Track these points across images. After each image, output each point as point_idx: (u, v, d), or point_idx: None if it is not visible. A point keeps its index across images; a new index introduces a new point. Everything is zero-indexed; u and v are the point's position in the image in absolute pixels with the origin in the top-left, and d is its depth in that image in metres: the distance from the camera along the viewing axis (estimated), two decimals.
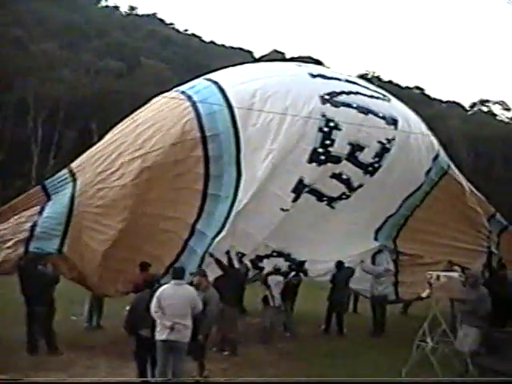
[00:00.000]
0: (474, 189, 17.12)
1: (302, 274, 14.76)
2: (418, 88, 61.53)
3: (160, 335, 9.12)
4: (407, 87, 58.52)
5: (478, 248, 16.76)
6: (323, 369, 11.18)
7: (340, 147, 13.82)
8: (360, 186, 14.52)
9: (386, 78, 57.71)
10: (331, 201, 14.50)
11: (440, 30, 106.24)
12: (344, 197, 14.54)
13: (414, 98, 49.83)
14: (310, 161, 13.61)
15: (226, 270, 12.92)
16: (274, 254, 14.41)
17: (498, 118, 61.26)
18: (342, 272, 14.93)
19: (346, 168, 14.15)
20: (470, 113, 60.62)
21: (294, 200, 13.73)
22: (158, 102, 14.28)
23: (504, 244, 17.44)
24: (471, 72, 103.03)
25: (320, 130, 13.59)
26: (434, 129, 16.93)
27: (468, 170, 39.07)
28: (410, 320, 15.87)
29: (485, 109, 62.51)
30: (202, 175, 13.03)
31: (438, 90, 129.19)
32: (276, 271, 13.97)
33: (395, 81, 57.73)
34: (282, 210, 13.64)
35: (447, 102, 61.56)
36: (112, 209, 12.68)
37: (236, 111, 13.29)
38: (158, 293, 9.28)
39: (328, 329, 15.12)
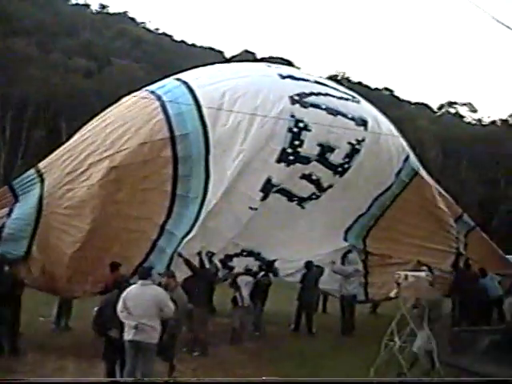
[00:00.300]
0: (441, 190, 17.36)
1: (271, 275, 14.83)
2: (387, 89, 62.12)
3: (127, 335, 9.05)
4: (377, 88, 58.98)
5: (447, 249, 16.99)
6: (293, 369, 11.22)
7: (309, 148, 13.91)
8: (330, 186, 14.65)
9: (355, 80, 58.06)
10: (301, 201, 14.60)
11: (409, 32, 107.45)
12: (314, 197, 14.66)
13: (384, 99, 50.21)
14: (279, 161, 13.67)
15: (195, 270, 12.92)
16: (244, 253, 14.46)
17: (465, 119, 62.17)
18: (311, 272, 15.03)
19: (316, 169, 14.25)
20: (437, 114, 61.33)
21: (263, 199, 13.80)
22: (128, 101, 14.22)
23: (471, 244, 17.71)
24: (439, 74, 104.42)
25: (289, 130, 13.67)
26: (404, 130, 17.16)
27: (436, 170, 39.58)
28: (378, 319, 16.04)
29: (452, 110, 63.35)
30: (170, 176, 13.00)
31: (407, 92, 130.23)
32: (246, 272, 14.01)
33: (365, 82, 58.11)
34: (251, 208, 13.72)
35: (416, 103, 62.15)
36: (80, 210, 12.58)
37: (205, 111, 13.29)
38: (124, 293, 9.21)
39: (297, 328, 15.22)
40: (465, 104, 63.32)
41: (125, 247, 12.79)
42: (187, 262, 12.85)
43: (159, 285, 10.24)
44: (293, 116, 13.74)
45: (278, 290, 16.44)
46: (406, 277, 10.53)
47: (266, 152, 13.57)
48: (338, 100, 14.95)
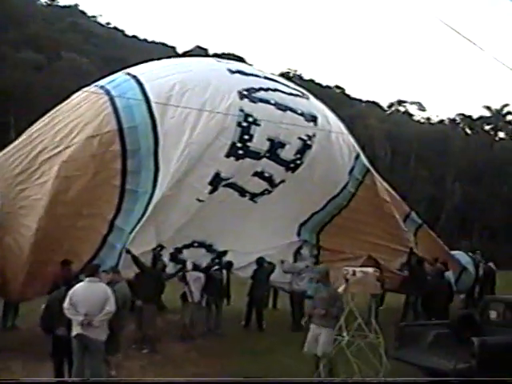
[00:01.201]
0: (389, 188, 17.65)
1: (224, 271, 14.82)
2: (338, 87, 62.61)
3: (74, 331, 8.97)
4: (328, 86, 59.40)
5: (399, 247, 17.30)
6: (243, 365, 11.28)
7: (259, 143, 13.97)
8: (282, 181, 14.77)
9: (307, 77, 58.35)
10: (254, 196, 14.69)
11: (361, 31, 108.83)
12: (266, 192, 14.78)
13: (335, 97, 50.74)
14: (228, 155, 13.71)
15: (142, 267, 12.83)
16: (195, 244, 14.48)
17: (414, 118, 63.25)
18: (262, 268, 15.10)
19: (268, 166, 14.35)
20: (387, 113, 62.19)
21: (211, 192, 13.84)
22: (77, 97, 14.07)
23: (420, 242, 18.07)
24: (389, 73, 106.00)
25: (239, 124, 13.70)
26: (354, 128, 17.44)
27: (386, 168, 40.22)
28: None
29: (402, 109, 64.33)
30: (119, 171, 12.88)
31: (357, 90, 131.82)
32: (195, 268, 13.95)
33: (317, 80, 58.42)
34: (199, 200, 13.74)
35: (367, 101, 62.87)
36: (33, 209, 12.42)
37: (153, 104, 13.21)
38: (71, 290, 9.13)
39: (248, 325, 15.26)
40: (414, 103, 64.42)
41: (75, 244, 12.63)
42: (134, 259, 12.75)
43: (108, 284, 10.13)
44: (242, 110, 13.78)
45: (232, 286, 16.44)
46: (354, 272, 10.66)
47: (216, 146, 13.57)
48: (288, 96, 15.06)
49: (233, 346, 12.97)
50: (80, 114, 13.25)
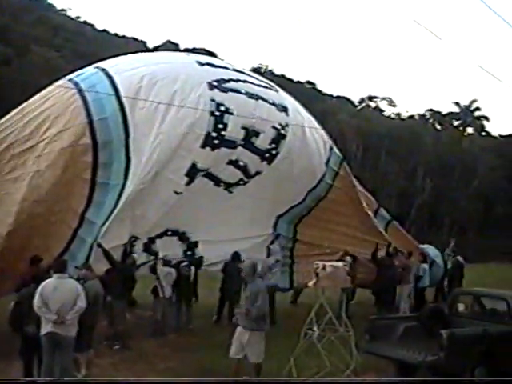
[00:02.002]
0: (358, 185, 17.72)
1: (193, 268, 14.75)
2: (309, 83, 62.78)
3: (44, 329, 8.88)
4: (299, 82, 59.53)
5: (377, 240, 17.41)
6: (215, 360, 11.26)
7: (234, 131, 13.92)
8: (258, 172, 14.71)
9: (278, 72, 58.40)
10: (228, 186, 14.64)
11: (331, 26, 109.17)
12: (241, 183, 14.73)
13: (306, 92, 50.85)
14: (204, 145, 13.64)
15: (113, 262, 12.74)
16: (169, 232, 14.42)
17: (384, 113, 63.68)
18: (234, 263, 15.05)
19: (243, 155, 14.30)
20: (358, 108, 62.54)
21: (188, 183, 13.81)
22: (46, 90, 13.93)
23: (390, 237, 18.23)
24: (360, 68, 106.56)
25: (212, 114, 13.66)
26: (325, 123, 17.48)
27: (357, 163, 40.51)
28: (299, 309, 16.25)
29: (372, 104, 64.78)
30: (90, 164, 12.76)
31: (329, 85, 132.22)
32: (166, 263, 13.89)
33: (288, 75, 58.49)
34: (176, 192, 13.71)
35: (337, 97, 63.12)
36: (3, 204, 12.27)
37: (123, 95, 13.14)
38: (40, 288, 9.01)
39: (219, 320, 15.23)
40: (384, 98, 64.91)
41: (46, 239, 12.48)
42: (106, 254, 12.65)
43: (78, 280, 10.04)
44: (213, 100, 13.75)
45: (203, 281, 16.43)
46: (324, 267, 10.73)
47: (191, 137, 13.50)
48: (258, 87, 15.13)
49: (204, 341, 12.96)
50: (49, 106, 13.12)
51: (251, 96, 14.44)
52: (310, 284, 11.02)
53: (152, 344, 12.71)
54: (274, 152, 14.69)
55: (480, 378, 10.30)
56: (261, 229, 15.83)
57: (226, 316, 15.12)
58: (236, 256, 14.99)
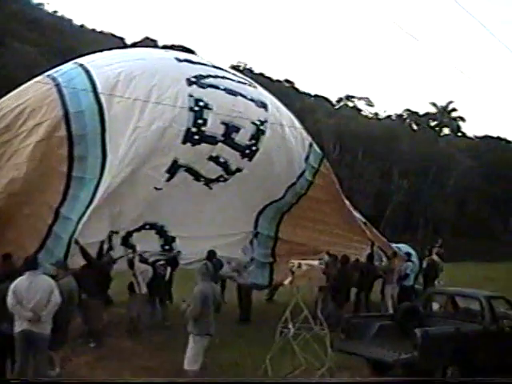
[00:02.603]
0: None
1: (169, 268, 14.68)
2: (287, 81, 62.77)
3: (19, 327, 8.81)
4: (278, 80, 59.51)
5: (361, 239, 17.47)
6: None
7: (214, 127, 13.87)
8: (238, 169, 14.67)
9: (257, 71, 58.33)
10: (208, 181, 14.59)
11: (310, 25, 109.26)
12: (222, 179, 14.67)
13: (284, 91, 50.77)
14: (184, 141, 13.59)
15: (90, 259, 12.64)
16: (147, 226, 14.35)
17: (362, 113, 63.92)
18: (211, 262, 14.99)
19: (223, 151, 14.24)
20: (336, 107, 62.70)
21: (168, 179, 13.76)
22: (23, 86, 13.86)
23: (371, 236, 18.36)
24: (338, 68, 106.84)
25: (191, 109, 13.61)
26: (303, 122, 17.45)
27: (334, 162, 40.60)
28: (275, 307, 16.29)
29: (350, 104, 64.96)
30: (65, 157, 12.69)
31: (307, 84, 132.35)
32: (143, 260, 13.81)
33: (267, 73, 58.43)
34: (156, 188, 13.66)
35: (315, 96, 63.20)
36: None
37: (100, 89, 13.08)
38: (12, 285, 8.93)
39: None
40: (362, 98, 65.12)
41: (20, 233, 12.44)
42: (82, 251, 12.55)
43: (52, 277, 9.96)
44: (191, 96, 13.69)
45: (180, 280, 16.35)
46: (300, 265, 10.77)
47: (171, 133, 13.44)
48: (236, 83, 15.13)
49: (180, 339, 12.87)
50: (26, 101, 13.07)
51: (230, 92, 14.42)
52: (286, 282, 11.07)
53: (127, 342, 12.65)
54: (253, 148, 14.65)
55: (452, 376, 10.44)
56: (240, 226, 15.81)
57: None
58: (211, 254, 14.94)
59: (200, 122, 13.70)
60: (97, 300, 12.33)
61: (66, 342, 10.13)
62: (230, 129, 14.14)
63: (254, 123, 14.56)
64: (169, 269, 14.68)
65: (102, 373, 10.46)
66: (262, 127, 14.71)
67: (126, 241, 14.13)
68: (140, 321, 13.66)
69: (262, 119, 14.79)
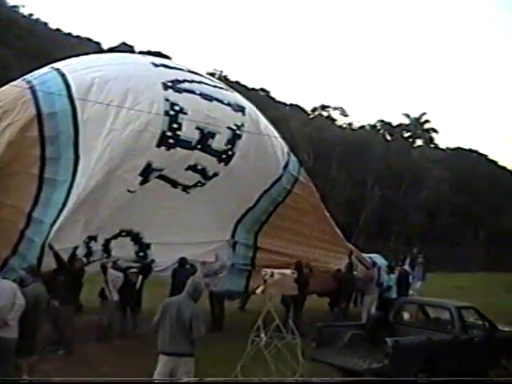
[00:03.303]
0: None
1: (140, 276, 14.57)
2: (263, 90, 62.96)
3: None
4: (253, 89, 59.63)
5: (340, 249, 17.55)
6: None
7: (188, 132, 13.77)
8: (215, 174, 14.61)
9: (233, 79, 58.44)
10: (186, 187, 14.54)
11: (286, 35, 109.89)
12: (199, 184, 14.61)
13: (260, 99, 50.91)
14: (159, 145, 13.46)
15: (63, 265, 12.48)
16: (123, 233, 14.28)
17: (336, 123, 64.29)
18: (183, 269, 14.94)
19: (201, 159, 14.17)
20: (311, 117, 62.99)
21: (142, 183, 13.61)
22: None
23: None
24: (313, 77, 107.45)
25: (166, 113, 13.51)
26: (278, 131, 17.44)
27: (308, 171, 40.76)
28: (247, 315, 16.28)
29: (325, 113, 65.29)
30: (38, 158, 12.55)
31: (282, 93, 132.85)
32: (115, 266, 13.70)
33: (242, 82, 58.56)
34: (129, 191, 13.51)
35: (290, 105, 63.48)
36: None
37: (74, 91, 12.97)
38: None
39: None
40: (337, 108, 65.47)
41: None
42: (56, 256, 12.38)
43: (21, 282, 9.83)
44: (167, 100, 13.61)
45: (149, 287, 16.24)
46: (272, 274, 10.77)
47: (146, 136, 13.31)
48: (213, 88, 15.08)
49: (150, 347, 12.76)
50: None
51: (205, 97, 14.37)
52: (258, 291, 11.06)
53: (97, 349, 12.56)
54: (229, 153, 14.59)
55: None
56: (217, 235, 15.70)
57: None
58: (183, 261, 14.89)
59: (175, 126, 13.60)
60: (68, 306, 12.18)
61: (34, 349, 9.96)
62: (206, 135, 14.06)
63: (229, 128, 14.51)
64: (140, 277, 14.53)
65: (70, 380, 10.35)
66: (238, 131, 14.66)
67: (107, 248, 14.02)
68: (111, 328, 13.54)
69: (239, 123, 14.75)
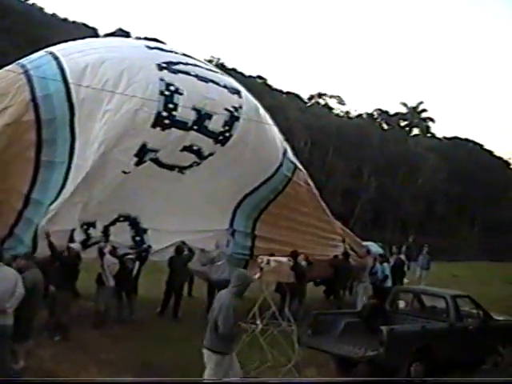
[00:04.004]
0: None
1: (137, 262, 14.55)
2: (260, 77, 62.73)
3: None
4: (250, 76, 59.40)
5: (335, 236, 17.58)
6: (156, 353, 11.23)
7: (184, 112, 13.66)
8: (211, 154, 14.49)
9: (230, 66, 58.19)
10: (182, 168, 14.44)
11: (283, 22, 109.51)
12: (195, 164, 14.49)
13: (257, 87, 50.74)
14: (154, 125, 13.38)
15: (56, 254, 12.44)
16: (121, 218, 14.19)
17: (333, 111, 64.21)
18: (180, 256, 14.93)
19: (197, 139, 14.06)
20: (308, 105, 62.88)
21: (137, 164, 13.55)
22: None
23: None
24: (311, 65, 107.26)
25: (161, 93, 13.43)
26: (275, 119, 17.40)
27: (304, 159, 40.70)
28: (243, 303, 16.24)
29: (322, 102, 65.22)
30: (33, 142, 12.50)
31: (279, 81, 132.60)
32: (112, 253, 13.68)
33: (239, 69, 58.33)
34: (124, 172, 13.44)
35: (287, 92, 63.25)
36: None
37: (68, 73, 12.93)
38: None
39: (163, 312, 15.12)
40: (334, 96, 65.39)
41: None
42: (50, 245, 12.34)
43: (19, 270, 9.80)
44: (162, 80, 13.54)
45: (148, 273, 16.28)
46: (269, 261, 10.78)
47: (141, 117, 13.23)
48: (208, 71, 15.02)
49: (146, 333, 12.89)
50: None
51: (201, 79, 14.28)
52: (255, 278, 11.05)
53: (93, 335, 12.54)
54: (227, 134, 14.46)
55: (416, 373, 10.58)
56: (215, 222, 15.57)
57: (170, 309, 15.04)
58: (180, 249, 14.87)
59: (171, 106, 13.50)
60: (65, 292, 12.16)
61: (30, 335, 9.98)
62: (203, 116, 13.94)
63: (227, 109, 14.39)
64: (137, 263, 14.51)
65: (66, 366, 10.38)
66: (236, 113, 14.54)
67: (106, 234, 14.01)
68: (107, 313, 13.55)
69: (236, 105, 14.64)
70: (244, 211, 15.90)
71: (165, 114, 13.44)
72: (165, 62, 13.93)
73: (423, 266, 24.12)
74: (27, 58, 13.94)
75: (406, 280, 20.18)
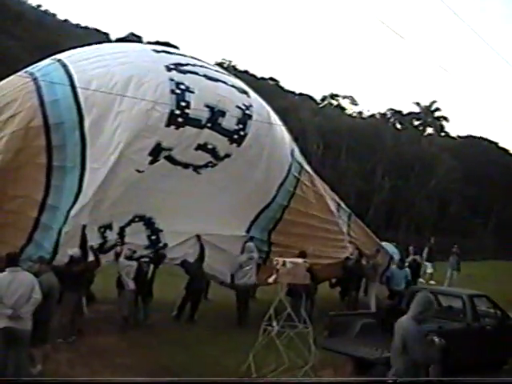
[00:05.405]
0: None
1: (152, 265, 14.54)
2: (272, 79, 62.69)
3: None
4: (262, 78, 59.43)
5: (344, 237, 17.47)
6: (173, 356, 11.24)
7: (197, 109, 13.58)
8: (227, 155, 14.37)
9: (242, 68, 58.27)
10: (197, 167, 14.32)
11: (295, 23, 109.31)
12: (210, 165, 14.36)
13: (269, 89, 50.73)
14: (168, 124, 13.30)
15: (86, 249, 12.46)
16: (136, 219, 14.11)
17: (346, 111, 63.99)
18: (199, 262, 14.83)
19: (211, 137, 13.94)
20: (320, 106, 62.70)
21: (151, 162, 13.48)
22: (2, 82, 13.71)
23: (352, 231, 18.40)
24: (323, 66, 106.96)
25: (172, 92, 13.39)
26: (288, 120, 17.37)
27: (317, 161, 40.70)
28: (258, 305, 16.28)
29: (334, 102, 65.01)
30: (43, 147, 12.49)
31: (291, 82, 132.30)
32: (128, 256, 13.67)
33: (251, 71, 58.39)
34: (138, 171, 13.38)
35: (300, 94, 63.17)
36: None
37: (76, 78, 12.94)
38: None
39: (179, 316, 15.08)
40: (346, 97, 65.16)
41: (3, 230, 12.18)
42: (83, 239, 12.40)
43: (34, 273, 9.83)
44: (172, 80, 13.52)
45: (163, 277, 16.26)
46: (284, 263, 10.76)
47: (154, 117, 13.18)
48: (215, 72, 15.04)
49: (162, 338, 12.87)
50: (2, 95, 12.93)
51: (210, 78, 14.28)
52: (270, 280, 11.05)
53: (109, 339, 12.52)
54: (242, 133, 14.34)
55: (434, 374, 10.49)
56: (233, 229, 15.40)
57: (187, 314, 14.99)
58: (201, 256, 14.81)
59: (183, 104, 13.43)
60: (71, 293, 12.03)
61: (47, 339, 10.02)
62: (216, 113, 13.85)
63: (239, 107, 14.34)
64: (152, 266, 14.51)
65: (82, 370, 10.40)
66: (247, 111, 14.48)
67: (122, 236, 13.99)
68: (131, 317, 13.51)
69: (247, 104, 14.62)
70: (259, 224, 15.79)
71: (178, 112, 13.39)
72: (173, 64, 13.97)
73: (453, 267, 24.19)
74: (35, 65, 14.01)
75: (421, 280, 20.11)
